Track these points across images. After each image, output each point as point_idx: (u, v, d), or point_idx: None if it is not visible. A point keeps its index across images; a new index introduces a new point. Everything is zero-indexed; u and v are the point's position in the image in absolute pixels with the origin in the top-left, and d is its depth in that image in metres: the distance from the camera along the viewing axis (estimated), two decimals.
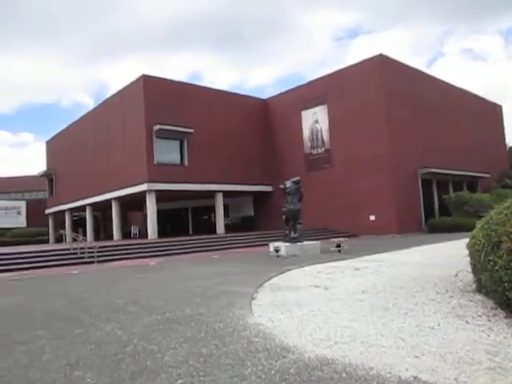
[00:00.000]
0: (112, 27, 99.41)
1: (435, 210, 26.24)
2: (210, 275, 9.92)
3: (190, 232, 34.30)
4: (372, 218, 24.16)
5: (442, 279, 7.55)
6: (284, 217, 15.28)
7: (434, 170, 24.89)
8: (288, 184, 14.94)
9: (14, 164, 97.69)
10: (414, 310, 5.26)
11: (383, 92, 24.12)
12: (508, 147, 37.06)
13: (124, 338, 4.64)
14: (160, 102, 24.95)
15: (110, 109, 28.18)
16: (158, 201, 24.65)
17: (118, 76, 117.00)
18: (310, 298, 6.43)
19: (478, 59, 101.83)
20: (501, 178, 31.15)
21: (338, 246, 13.53)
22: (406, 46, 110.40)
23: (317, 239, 16.68)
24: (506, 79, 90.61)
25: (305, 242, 14.44)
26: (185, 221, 35.75)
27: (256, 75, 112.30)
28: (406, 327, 4.53)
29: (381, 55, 24.30)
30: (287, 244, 13.82)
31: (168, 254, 17.49)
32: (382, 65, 24.37)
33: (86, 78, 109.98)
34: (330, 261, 11.68)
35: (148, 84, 24.69)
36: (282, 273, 9.71)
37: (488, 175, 30.08)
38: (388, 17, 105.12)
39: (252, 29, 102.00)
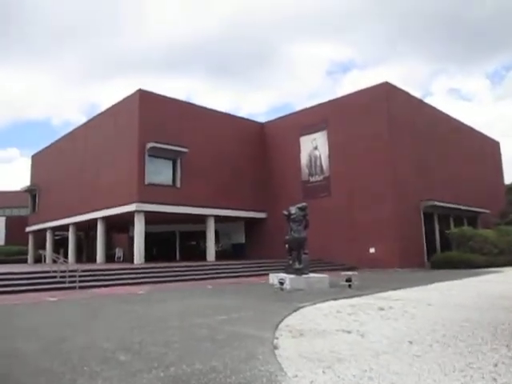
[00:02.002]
0: (107, 49, 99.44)
1: (437, 244, 25.22)
2: (210, 310, 8.54)
3: (178, 257, 32.63)
4: (372, 250, 22.99)
5: (493, 325, 6.34)
6: (287, 246, 14.04)
7: (437, 203, 24.00)
8: (293, 210, 13.78)
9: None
10: (500, 374, 4.02)
11: (387, 120, 23.42)
12: (506, 185, 36.60)
13: None
14: (155, 118, 23.85)
15: (102, 124, 26.95)
16: (145, 223, 23.17)
17: (111, 98, 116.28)
18: (348, 349, 5.15)
19: (464, 99, 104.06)
20: (504, 215, 30.46)
21: (349, 280, 12.26)
22: (397, 82, 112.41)
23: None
24: (491, 120, 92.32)
25: (310, 275, 13.14)
26: (172, 245, 34.07)
27: (248, 104, 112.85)
28: None
29: (386, 83, 23.72)
30: (292, 276, 12.49)
31: (156, 282, 15.97)
32: (386, 93, 23.76)
33: (79, 98, 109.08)
34: (344, 297, 10.42)
35: (144, 99, 23.63)
36: (295, 310, 8.41)
37: (488, 211, 29.38)
38: (380, 53, 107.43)
39: (245, 59, 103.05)
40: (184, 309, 8.97)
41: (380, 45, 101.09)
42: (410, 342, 5.49)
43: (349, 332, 6.22)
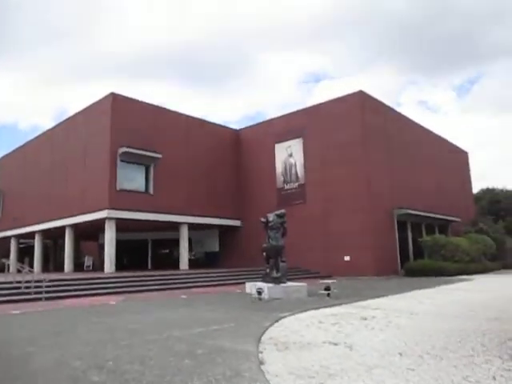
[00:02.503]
0: (79, 53, 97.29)
1: (410, 252, 25.48)
2: (187, 322, 8.13)
3: (149, 266, 31.78)
4: (347, 258, 22.97)
5: (480, 335, 6.22)
6: (264, 254, 13.72)
7: (410, 212, 24.26)
8: (271, 217, 13.49)
9: None
10: None
11: (361, 129, 23.60)
12: (474, 195, 37.62)
13: None
14: (128, 123, 23.22)
15: (72, 128, 26.02)
16: (116, 230, 22.42)
17: (82, 102, 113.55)
18: (338, 363, 4.88)
19: (431, 111, 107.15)
20: (474, 223, 31.15)
21: (327, 289, 12.05)
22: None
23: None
24: (458, 132, 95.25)
25: (288, 283, 12.87)
26: (144, 254, 33.16)
27: (221, 112, 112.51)
28: None
29: (361, 92, 23.93)
30: (270, 285, 12.18)
31: (128, 292, 15.34)
32: (361, 102, 23.97)
33: (48, 102, 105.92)
34: (324, 307, 10.19)
35: (116, 103, 22.97)
36: (276, 321, 8.11)
37: (459, 219, 29.99)
38: (353, 64, 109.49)
39: (219, 67, 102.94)
40: (159, 320, 8.51)
41: (352, 55, 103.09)
42: (401, 354, 5.28)
43: (335, 344, 5.96)
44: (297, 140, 26.57)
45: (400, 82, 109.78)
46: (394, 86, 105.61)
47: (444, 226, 29.80)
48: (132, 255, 33.41)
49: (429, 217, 26.55)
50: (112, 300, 12.74)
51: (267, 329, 7.31)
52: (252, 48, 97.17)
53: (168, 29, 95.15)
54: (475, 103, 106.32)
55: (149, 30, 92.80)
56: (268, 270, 13.27)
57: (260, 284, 12.47)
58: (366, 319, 8.24)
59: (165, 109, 26.02)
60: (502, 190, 58.91)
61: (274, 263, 13.09)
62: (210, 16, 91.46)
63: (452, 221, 29.63)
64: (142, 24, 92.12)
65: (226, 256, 29.29)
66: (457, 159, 35.59)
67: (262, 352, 5.56)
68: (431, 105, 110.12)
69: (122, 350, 5.76)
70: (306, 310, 9.57)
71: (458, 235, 28.08)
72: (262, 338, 6.55)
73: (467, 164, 37.89)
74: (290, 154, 27.04)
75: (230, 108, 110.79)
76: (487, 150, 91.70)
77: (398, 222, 24.74)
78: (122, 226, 23.08)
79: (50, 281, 14.60)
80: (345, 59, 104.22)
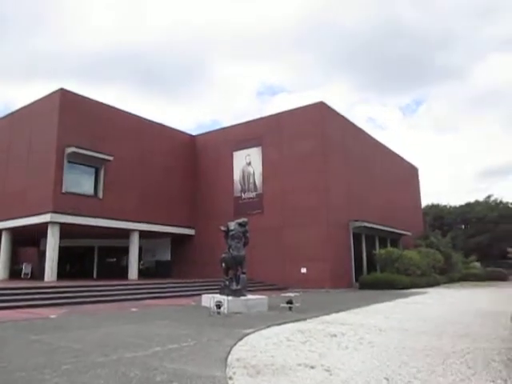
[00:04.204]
0: (29, 50, 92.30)
1: (363, 264, 25.57)
2: (141, 341, 7.21)
3: (95, 275, 29.90)
4: (303, 270, 22.60)
5: (459, 354, 5.82)
6: (223, 264, 12.96)
7: (366, 224, 24.37)
8: (232, 226, 12.80)
9: None
10: None
11: (322, 140, 23.49)
12: (422, 209, 38.83)
13: None
14: (77, 122, 21.73)
15: (17, 123, 24.03)
16: (60, 236, 20.77)
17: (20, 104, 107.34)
18: None
19: (378, 128, 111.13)
20: (425, 237, 31.97)
21: (290, 302, 11.48)
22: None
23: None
24: (403, 148, 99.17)
25: (249, 296, 12.18)
26: (89, 262, 31.21)
27: (175, 120, 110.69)
28: None
29: (322, 103, 23.89)
30: (230, 298, 11.42)
31: (71, 303, 13.98)
32: (321, 113, 23.91)
33: None
34: (288, 322, 9.59)
35: (65, 99, 21.43)
36: (240, 339, 7.40)
37: (410, 233, 30.66)
38: (310, 79, 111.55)
39: (176, 74, 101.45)
40: (108, 338, 7.53)
41: (310, 72, 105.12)
42: (388, 380, 4.75)
43: (312, 367, 5.35)
44: (256, 149, 26.08)
45: (350, 100, 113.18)
46: (346, 103, 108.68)
47: (396, 240, 30.33)
48: (76, 263, 31.38)
49: (383, 230, 26.87)
50: (52, 313, 11.44)
51: (232, 348, 6.59)
52: (210, 57, 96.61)
53: (125, 31, 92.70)
54: (420, 122, 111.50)
55: (104, 31, 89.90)
56: (227, 282, 12.51)
57: (218, 297, 11.67)
58: (335, 336, 7.72)
59: (118, 109, 24.69)
60: (445, 206, 61.91)
61: (234, 274, 12.37)
62: (172, 21, 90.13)
63: (403, 234, 30.23)
64: (100, 24, 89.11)
65: (178, 266, 28.10)
66: (408, 174, 36.63)
67: (231, 378, 4.85)
68: (380, 123, 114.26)
69: (62, 377, 4.82)
70: (270, 326, 8.92)
71: (408, 248, 28.64)
72: (229, 359, 5.83)
73: (417, 179, 39.11)
74: (248, 163, 26.50)
75: (184, 116, 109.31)
76: (432, 167, 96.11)
77: (353, 234, 24.79)
78: (66, 231, 21.48)
79: None
80: (301, 74, 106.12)
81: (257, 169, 25.87)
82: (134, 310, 12.57)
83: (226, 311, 10.73)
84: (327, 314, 11.17)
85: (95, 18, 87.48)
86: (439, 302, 15.82)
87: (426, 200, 58.16)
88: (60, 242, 20.81)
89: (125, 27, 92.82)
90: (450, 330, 8.61)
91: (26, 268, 28.16)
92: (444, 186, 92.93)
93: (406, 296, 17.80)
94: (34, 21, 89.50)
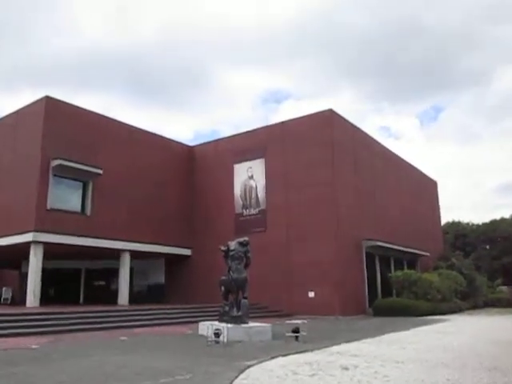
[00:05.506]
0: (17, 58, 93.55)
1: (378, 288, 25.38)
2: (130, 374, 7.13)
3: (82, 300, 29.77)
4: (311, 294, 22.43)
5: None
6: (223, 288, 12.92)
7: (380, 244, 24.27)
8: (232, 245, 12.80)
9: None
10: None
11: (331, 149, 23.48)
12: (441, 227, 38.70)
13: None
14: (64, 132, 21.89)
15: None
16: (44, 257, 20.76)
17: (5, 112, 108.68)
18: None
19: (393, 137, 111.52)
20: (446, 258, 31.79)
21: (296, 330, 11.37)
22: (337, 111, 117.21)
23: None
24: (421, 159, 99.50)
25: (251, 324, 12.08)
26: (75, 285, 31.09)
27: (172, 129, 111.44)
28: None
29: (331, 110, 24.02)
30: (230, 326, 11.35)
31: (55, 332, 13.89)
32: (331, 120, 24.01)
33: None
34: (294, 353, 9.49)
35: (51, 108, 21.63)
36: (242, 371, 7.34)
37: (428, 254, 30.50)
38: (316, 86, 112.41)
39: (174, 80, 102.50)
40: (95, 371, 7.45)
41: (316, 78, 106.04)
42: None
43: None
44: (258, 160, 26.14)
45: (363, 108, 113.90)
46: (358, 111, 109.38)
47: (413, 260, 30.17)
48: (61, 287, 31.23)
49: (399, 250, 26.73)
50: (34, 342, 11.37)
51: (232, 382, 6.54)
52: (212, 62, 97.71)
53: (120, 35, 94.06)
54: (440, 131, 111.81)
55: (99, 33, 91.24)
56: (227, 308, 12.44)
57: (217, 324, 11.59)
58: (347, 369, 7.62)
59: (108, 118, 24.93)
60: (467, 224, 61.45)
61: (235, 299, 12.30)
62: (171, 25, 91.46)
63: (422, 255, 30.07)
64: (93, 26, 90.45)
65: (172, 289, 27.97)
66: (426, 188, 36.58)
67: None
68: (394, 132, 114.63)
69: None
70: (274, 357, 8.84)
71: (426, 270, 28.47)
72: None
73: (436, 194, 39.04)
74: (250, 176, 26.54)
75: (181, 125, 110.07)
76: (452, 180, 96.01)
77: (366, 254, 24.67)
78: (51, 251, 21.45)
79: None
80: (309, 82, 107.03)
81: (259, 182, 25.89)
82: (123, 338, 12.50)
83: (225, 340, 10.65)
84: (337, 343, 11.07)
85: (88, 26, 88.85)
86: (462, 330, 15.67)
87: (445, 217, 57.98)
88: (43, 264, 20.80)
89: (118, 33, 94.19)
90: (476, 362, 8.50)
91: (6, 293, 28.12)
92: (463, 200, 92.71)
93: (425, 323, 17.65)
94: (21, 26, 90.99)
